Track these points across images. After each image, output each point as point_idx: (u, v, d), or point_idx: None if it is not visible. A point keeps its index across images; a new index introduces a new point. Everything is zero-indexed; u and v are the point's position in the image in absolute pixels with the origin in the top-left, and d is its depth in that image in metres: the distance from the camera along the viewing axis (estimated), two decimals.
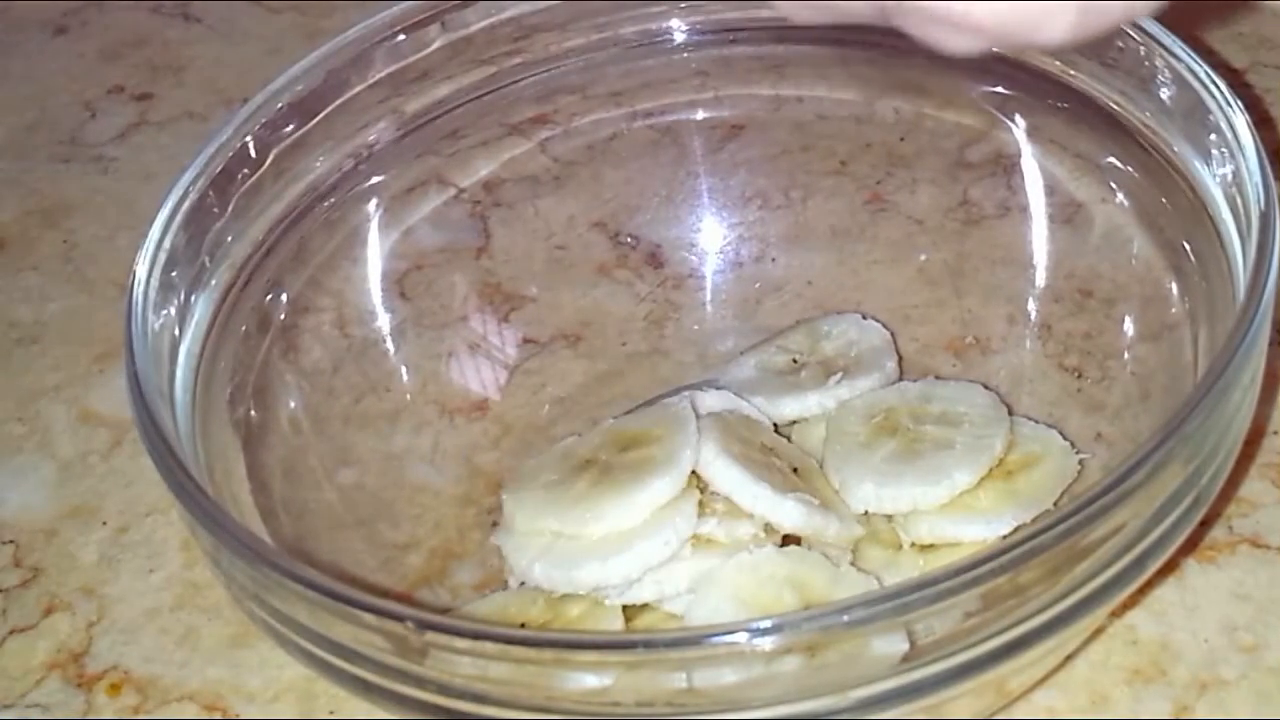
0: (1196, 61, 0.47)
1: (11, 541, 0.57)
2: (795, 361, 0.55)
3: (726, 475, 0.47)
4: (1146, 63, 0.49)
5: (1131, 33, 0.49)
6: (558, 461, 0.51)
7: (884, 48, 0.56)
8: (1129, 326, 0.53)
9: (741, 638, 0.36)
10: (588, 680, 0.37)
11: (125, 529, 0.57)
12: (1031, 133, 0.55)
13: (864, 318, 0.56)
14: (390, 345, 0.57)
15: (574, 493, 0.48)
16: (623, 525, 0.47)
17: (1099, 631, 0.48)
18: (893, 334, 0.56)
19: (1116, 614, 0.48)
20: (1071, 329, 0.55)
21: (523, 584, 0.49)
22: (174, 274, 0.48)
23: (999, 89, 0.55)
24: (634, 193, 0.61)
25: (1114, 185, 0.53)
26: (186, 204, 0.49)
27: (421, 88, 0.56)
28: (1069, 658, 0.47)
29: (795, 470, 0.50)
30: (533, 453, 0.53)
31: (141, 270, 0.47)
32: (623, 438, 0.50)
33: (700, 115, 0.60)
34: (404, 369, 0.56)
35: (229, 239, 0.51)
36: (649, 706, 0.38)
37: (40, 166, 0.73)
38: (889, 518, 0.49)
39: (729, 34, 0.58)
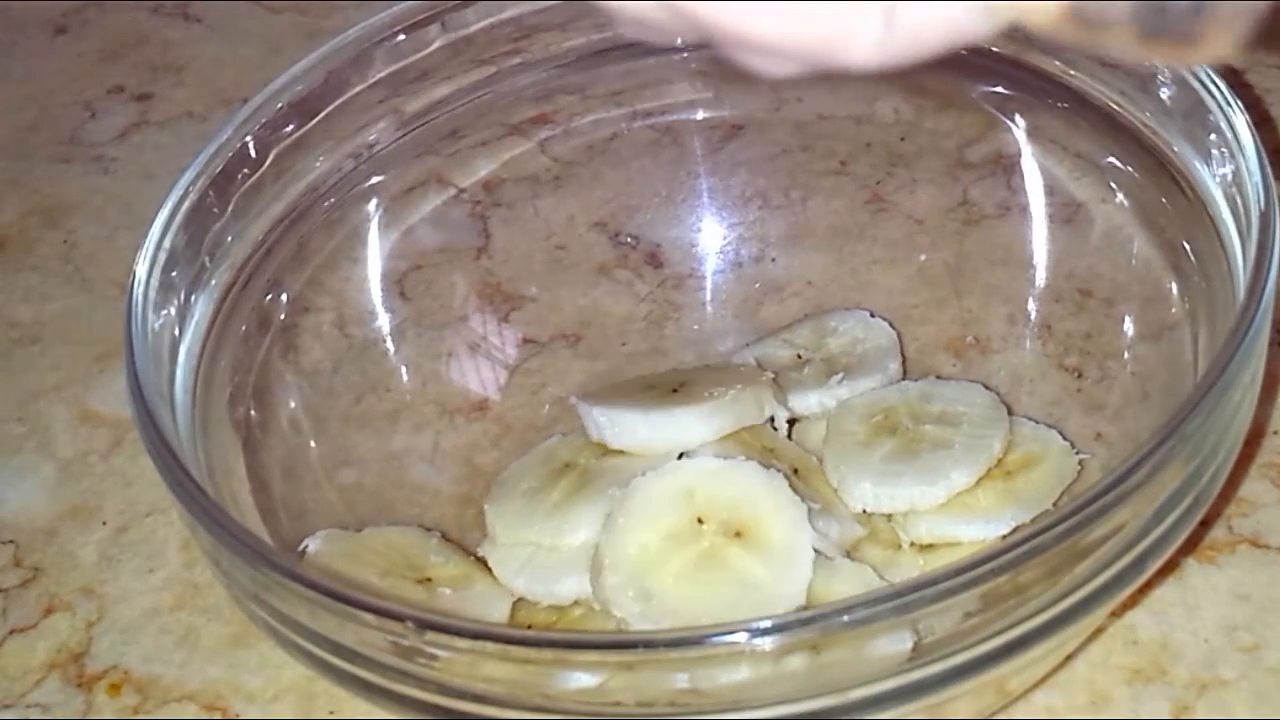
0: None
1: (11, 541, 0.57)
2: (799, 357, 0.55)
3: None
4: (1146, 62, 0.49)
5: None
6: (538, 465, 0.51)
7: None
8: (1129, 326, 0.53)
9: (741, 638, 0.36)
10: (584, 679, 0.37)
11: (125, 529, 0.57)
12: (1031, 133, 0.55)
13: (871, 315, 0.56)
14: (390, 345, 0.57)
15: (550, 502, 0.49)
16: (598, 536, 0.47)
17: (1099, 631, 0.48)
18: (897, 333, 0.56)
19: (1116, 614, 0.48)
20: (1071, 329, 0.55)
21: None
22: (174, 274, 0.48)
23: (999, 89, 0.55)
24: (634, 193, 0.61)
25: (1114, 185, 0.53)
26: (186, 204, 0.49)
27: (421, 88, 0.56)
28: (1069, 658, 0.47)
29: (796, 471, 0.50)
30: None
31: (141, 270, 0.47)
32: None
33: (700, 115, 0.60)
34: (404, 369, 0.56)
35: (229, 239, 0.51)
36: (649, 706, 0.38)
37: (40, 166, 0.73)
38: (888, 517, 0.49)
39: None
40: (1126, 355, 0.53)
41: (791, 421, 0.53)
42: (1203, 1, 0.27)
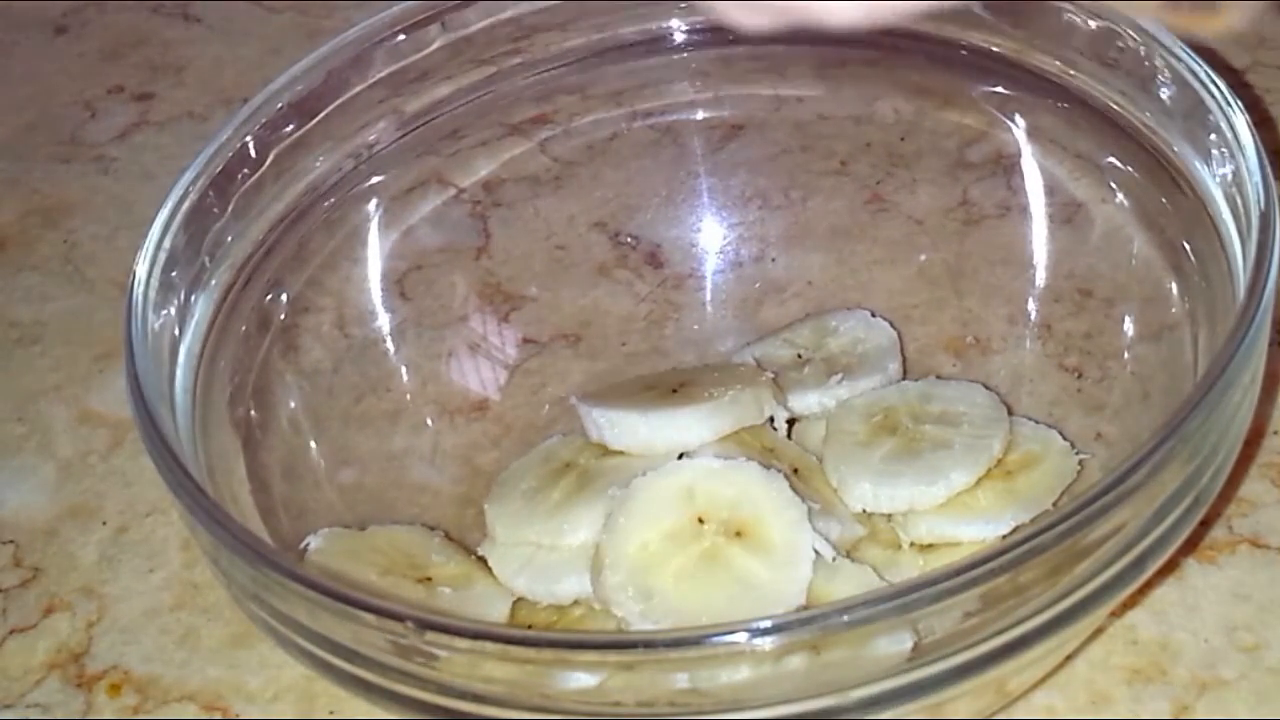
0: (1196, 61, 0.47)
1: (11, 541, 0.57)
2: (799, 357, 0.55)
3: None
4: (1146, 63, 0.49)
5: (1131, 33, 0.49)
6: (538, 465, 0.51)
7: (884, 48, 0.56)
8: (1129, 326, 0.53)
9: (741, 638, 0.36)
10: (584, 679, 0.37)
11: (125, 529, 0.57)
12: (1031, 133, 0.55)
13: (872, 315, 0.56)
14: (390, 345, 0.57)
15: (550, 502, 0.49)
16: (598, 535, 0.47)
17: (1099, 631, 0.48)
18: (897, 333, 0.56)
19: (1116, 614, 0.48)
20: (1071, 329, 0.55)
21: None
22: (174, 274, 0.48)
23: (999, 89, 0.55)
24: (634, 193, 0.61)
25: (1114, 185, 0.53)
26: (186, 204, 0.49)
27: (421, 88, 0.56)
28: (1069, 658, 0.47)
29: (796, 471, 0.50)
30: None
31: (141, 270, 0.47)
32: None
33: (700, 115, 0.60)
34: (404, 369, 0.56)
35: (229, 239, 0.51)
36: (649, 706, 0.38)
37: (40, 166, 0.73)
38: (888, 517, 0.49)
39: (729, 34, 0.58)
40: (1126, 355, 0.53)
41: (791, 421, 0.53)
42: None
